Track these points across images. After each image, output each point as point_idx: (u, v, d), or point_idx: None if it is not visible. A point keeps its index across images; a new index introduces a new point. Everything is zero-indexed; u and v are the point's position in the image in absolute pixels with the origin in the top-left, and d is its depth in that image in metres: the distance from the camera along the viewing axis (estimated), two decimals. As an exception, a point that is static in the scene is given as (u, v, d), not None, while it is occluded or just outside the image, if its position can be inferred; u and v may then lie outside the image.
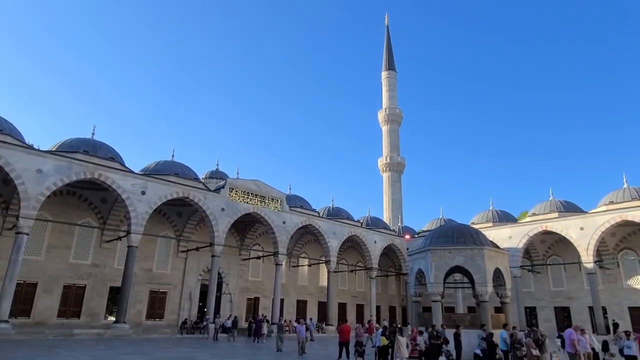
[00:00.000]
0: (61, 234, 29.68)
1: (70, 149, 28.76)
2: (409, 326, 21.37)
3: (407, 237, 49.19)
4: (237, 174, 37.77)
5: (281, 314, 35.80)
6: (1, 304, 21.84)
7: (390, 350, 16.02)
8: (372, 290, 43.05)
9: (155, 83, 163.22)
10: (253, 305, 39.53)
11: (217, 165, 46.30)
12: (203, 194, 31.86)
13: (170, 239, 34.98)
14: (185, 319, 32.65)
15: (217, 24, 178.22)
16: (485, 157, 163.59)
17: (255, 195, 35.31)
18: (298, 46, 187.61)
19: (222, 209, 32.48)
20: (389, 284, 52.89)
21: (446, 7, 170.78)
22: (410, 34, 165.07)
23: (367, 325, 28.90)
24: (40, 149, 27.27)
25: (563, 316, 40.60)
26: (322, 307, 42.39)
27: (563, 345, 16.56)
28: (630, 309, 36.87)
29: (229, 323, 30.83)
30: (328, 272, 39.86)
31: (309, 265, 44.65)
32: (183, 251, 35.39)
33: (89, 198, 31.33)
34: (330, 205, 47.25)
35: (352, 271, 47.31)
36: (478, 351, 15.87)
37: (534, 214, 42.07)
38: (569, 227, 36.55)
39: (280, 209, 36.49)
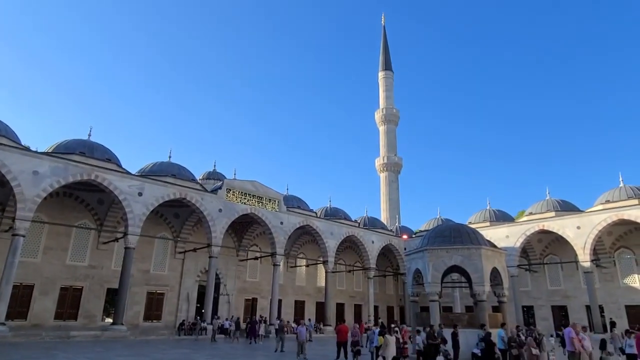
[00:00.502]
0: (58, 236, 29.56)
1: (66, 150, 28.68)
2: (403, 326, 21.30)
3: (405, 237, 49.24)
4: (235, 174, 37.75)
5: (279, 315, 35.78)
6: (-3, 307, 21.70)
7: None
8: (370, 290, 43.08)
9: (152, 84, 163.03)
10: (251, 306, 39.47)
11: (214, 166, 46.18)
12: (200, 194, 31.81)
13: (168, 240, 34.91)
14: (183, 321, 32.60)
15: (212, 25, 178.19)
16: (482, 157, 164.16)
17: (253, 195, 35.28)
18: (294, 47, 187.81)
19: (220, 210, 32.44)
20: (386, 284, 52.92)
21: (440, 9, 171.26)
22: (406, 35, 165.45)
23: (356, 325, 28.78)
24: (37, 150, 27.18)
25: (560, 315, 40.73)
26: (320, 308, 42.38)
27: (563, 344, 16.58)
28: (627, 307, 37.05)
29: (227, 324, 30.85)
30: (326, 272, 39.88)
31: (307, 266, 44.63)
32: (180, 252, 35.32)
33: (85, 199, 31.22)
34: (328, 206, 47.25)
35: (349, 271, 47.30)
36: (476, 351, 15.89)
37: (530, 214, 42.21)
38: (566, 226, 36.69)
39: (277, 210, 36.47)
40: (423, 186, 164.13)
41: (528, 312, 42.17)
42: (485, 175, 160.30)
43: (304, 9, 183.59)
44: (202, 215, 31.70)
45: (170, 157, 36.11)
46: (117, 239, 30.42)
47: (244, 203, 34.42)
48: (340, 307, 46.00)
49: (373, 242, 44.37)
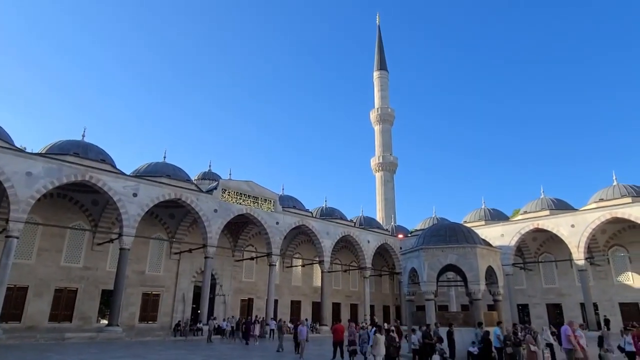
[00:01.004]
0: (52, 237, 29.38)
1: (60, 151, 28.46)
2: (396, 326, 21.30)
3: (400, 236, 49.33)
4: (230, 175, 37.68)
5: (275, 315, 35.75)
6: (-9, 309, 21.58)
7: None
8: (366, 289, 43.15)
9: (146, 85, 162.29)
10: (247, 306, 39.42)
11: (210, 166, 46.06)
12: (195, 195, 31.72)
13: (163, 241, 34.79)
14: (179, 321, 32.45)
15: (206, 25, 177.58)
16: (477, 156, 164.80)
17: (248, 196, 35.22)
18: (289, 46, 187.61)
19: (215, 210, 32.36)
20: (382, 284, 53.03)
21: (435, 8, 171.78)
22: (401, 34, 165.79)
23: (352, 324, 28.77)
24: (30, 151, 26.97)
25: (555, 313, 40.99)
26: (316, 308, 42.37)
27: (560, 343, 16.65)
28: (621, 304, 37.39)
29: (225, 325, 30.78)
30: (322, 272, 39.90)
31: (303, 266, 44.62)
32: (176, 253, 35.20)
33: (80, 200, 31.05)
34: (324, 206, 47.26)
35: (345, 271, 47.34)
36: (474, 349, 15.93)
37: (525, 212, 42.41)
38: (560, 225, 36.93)
39: (273, 210, 36.43)
40: (418, 185, 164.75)
41: (523, 310, 42.42)
42: (480, 174, 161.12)
43: (298, 8, 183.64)
44: (198, 215, 31.60)
45: (165, 157, 35.92)
46: (111, 240, 30.27)
47: (240, 203, 34.36)
48: (336, 307, 46.03)
49: (369, 241, 44.43)
